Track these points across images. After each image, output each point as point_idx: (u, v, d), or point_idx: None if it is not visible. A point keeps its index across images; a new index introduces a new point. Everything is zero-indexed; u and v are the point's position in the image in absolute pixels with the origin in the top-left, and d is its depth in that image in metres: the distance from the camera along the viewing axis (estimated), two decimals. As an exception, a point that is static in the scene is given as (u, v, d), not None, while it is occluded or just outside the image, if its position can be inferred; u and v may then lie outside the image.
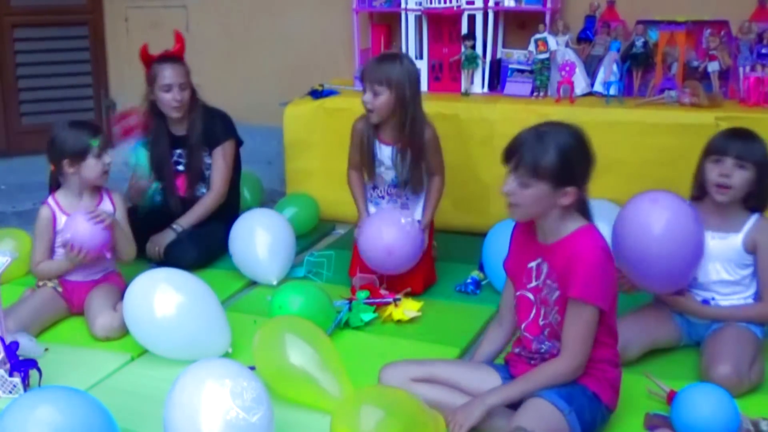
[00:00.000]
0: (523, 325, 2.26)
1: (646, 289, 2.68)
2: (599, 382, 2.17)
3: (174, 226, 3.56)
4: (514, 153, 2.13)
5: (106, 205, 3.03)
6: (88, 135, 2.93)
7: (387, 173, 3.26)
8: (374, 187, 3.32)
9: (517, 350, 2.31)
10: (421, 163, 3.19)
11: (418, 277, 3.19)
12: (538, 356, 2.24)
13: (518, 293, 2.28)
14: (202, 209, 3.62)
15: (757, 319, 2.59)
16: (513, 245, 2.34)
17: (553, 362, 2.17)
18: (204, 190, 3.67)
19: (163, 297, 2.62)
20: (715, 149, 2.58)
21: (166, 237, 3.52)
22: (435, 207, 3.26)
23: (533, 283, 2.22)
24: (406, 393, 2.16)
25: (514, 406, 2.16)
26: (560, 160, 2.08)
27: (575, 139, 2.12)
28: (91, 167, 2.93)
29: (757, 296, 2.60)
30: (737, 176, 2.52)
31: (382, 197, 3.31)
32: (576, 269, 2.08)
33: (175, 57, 3.59)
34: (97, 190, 3.04)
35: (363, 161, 3.25)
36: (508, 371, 2.30)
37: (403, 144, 3.15)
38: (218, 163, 3.63)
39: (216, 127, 3.63)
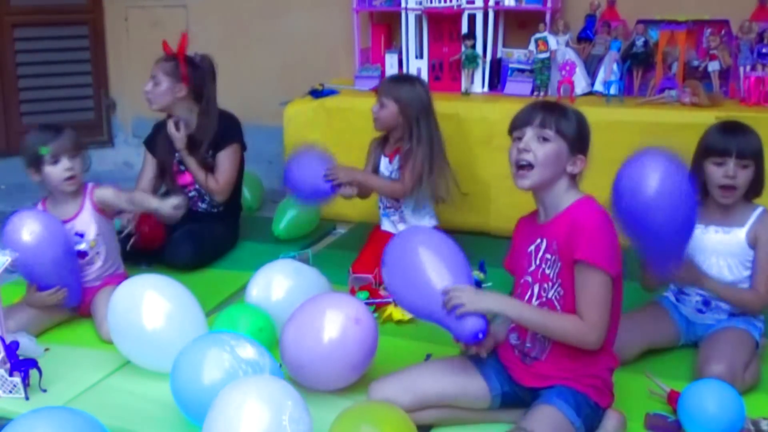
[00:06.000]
0: None
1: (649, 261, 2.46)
2: (601, 393, 2.16)
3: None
4: (530, 115, 2.12)
5: (85, 215, 2.93)
6: (40, 142, 2.82)
7: None
8: (380, 199, 3.50)
9: (513, 340, 2.24)
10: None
11: None
12: (533, 347, 2.18)
13: (521, 281, 2.22)
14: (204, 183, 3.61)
15: (747, 305, 2.55)
16: (515, 242, 2.30)
17: (574, 317, 2.06)
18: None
19: (146, 308, 2.54)
20: (715, 150, 2.51)
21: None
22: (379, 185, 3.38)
23: (532, 266, 2.18)
24: (402, 412, 2.09)
25: (526, 404, 2.17)
26: (578, 125, 2.12)
27: (582, 114, 2.18)
28: (50, 175, 2.84)
29: (751, 285, 2.56)
30: (741, 176, 2.50)
31: (388, 207, 3.47)
32: (579, 233, 2.04)
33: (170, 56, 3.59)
34: (80, 196, 2.95)
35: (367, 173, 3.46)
36: (505, 374, 2.25)
37: (401, 158, 3.32)
38: (222, 165, 3.63)
39: (222, 129, 3.62)
